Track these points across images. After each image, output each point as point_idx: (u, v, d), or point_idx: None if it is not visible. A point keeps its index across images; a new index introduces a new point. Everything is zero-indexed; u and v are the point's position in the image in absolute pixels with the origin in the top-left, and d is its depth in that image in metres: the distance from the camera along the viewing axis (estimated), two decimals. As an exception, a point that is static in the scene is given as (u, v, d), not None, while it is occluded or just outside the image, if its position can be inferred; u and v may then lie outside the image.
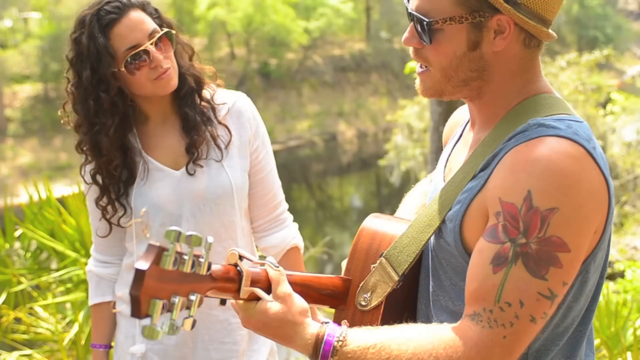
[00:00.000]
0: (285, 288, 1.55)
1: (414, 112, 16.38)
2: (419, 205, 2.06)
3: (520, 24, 1.52)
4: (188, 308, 1.39)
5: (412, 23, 1.60)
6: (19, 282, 4.51)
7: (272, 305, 1.53)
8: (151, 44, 2.25)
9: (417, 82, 1.67)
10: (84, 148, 2.37)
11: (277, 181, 2.58)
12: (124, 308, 2.54)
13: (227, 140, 2.42)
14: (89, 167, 2.41)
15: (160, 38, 2.28)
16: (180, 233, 1.34)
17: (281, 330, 1.53)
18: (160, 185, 2.39)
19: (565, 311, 1.55)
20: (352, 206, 27.32)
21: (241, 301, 1.54)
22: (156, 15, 2.33)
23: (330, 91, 34.24)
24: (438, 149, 6.17)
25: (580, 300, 1.56)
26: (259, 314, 1.53)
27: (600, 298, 4.31)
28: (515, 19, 1.51)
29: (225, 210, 2.42)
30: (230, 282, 1.49)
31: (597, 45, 25.07)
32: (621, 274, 7.40)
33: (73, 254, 4.30)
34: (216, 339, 2.48)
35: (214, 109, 2.42)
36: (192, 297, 1.39)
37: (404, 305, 1.76)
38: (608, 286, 6.04)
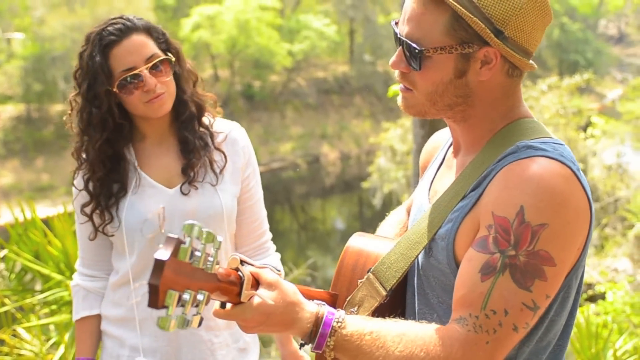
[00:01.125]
0: (270, 275, 1.57)
1: (397, 134, 16.49)
2: (394, 234, 2.12)
3: (507, 57, 1.59)
4: (196, 305, 1.41)
5: (400, 48, 1.65)
6: (3, 304, 4.49)
7: (268, 294, 1.54)
8: (147, 68, 2.32)
9: (400, 99, 1.73)
10: (79, 154, 2.45)
11: (263, 211, 2.65)
12: (109, 328, 2.55)
13: (222, 165, 2.48)
14: (82, 173, 2.47)
15: (160, 62, 2.35)
16: (197, 227, 1.37)
17: (285, 315, 1.55)
18: (153, 201, 2.43)
19: (548, 325, 1.61)
20: (335, 228, 27.30)
21: (237, 306, 1.54)
22: (162, 40, 2.41)
23: (314, 113, 34.30)
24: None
25: (562, 315, 1.63)
26: (261, 308, 1.53)
27: (582, 320, 4.37)
28: (503, 52, 1.58)
29: (214, 231, 2.44)
30: (232, 284, 1.50)
31: (578, 70, 25.32)
32: (602, 296, 7.46)
33: (58, 276, 4.29)
34: (199, 359, 2.49)
35: (212, 135, 2.49)
36: (200, 296, 1.41)
37: None
38: (589, 308, 6.09)
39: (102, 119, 2.36)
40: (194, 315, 1.42)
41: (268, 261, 2.62)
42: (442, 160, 1.89)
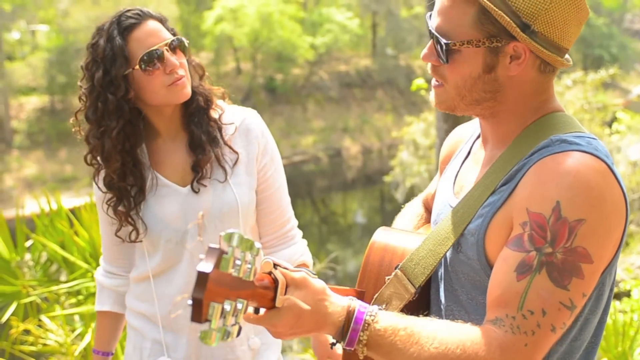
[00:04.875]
0: (297, 274, 1.54)
1: (420, 128, 16.42)
2: (412, 227, 2.09)
3: (536, 52, 1.56)
4: (235, 315, 1.38)
5: (431, 40, 1.64)
6: (29, 294, 4.52)
7: (298, 294, 1.51)
8: (167, 48, 2.30)
9: (432, 94, 1.71)
10: (95, 155, 2.38)
11: (285, 198, 2.58)
12: (132, 320, 2.55)
13: (233, 160, 2.43)
14: (102, 175, 2.41)
15: (175, 49, 2.33)
16: (237, 235, 1.34)
17: (316, 313, 1.51)
18: (167, 201, 2.40)
19: (582, 324, 1.58)
20: (356, 222, 27.27)
21: (270, 311, 1.51)
22: (173, 32, 2.38)
23: (336, 107, 34.30)
24: (445, 166, 6.20)
25: (596, 313, 1.60)
26: (291, 309, 1.50)
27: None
28: (532, 48, 1.55)
29: (229, 228, 2.40)
30: (266, 289, 1.48)
31: (603, 64, 25.06)
32: (627, 294, 7.38)
33: (84, 265, 4.31)
34: (219, 355, 2.47)
35: (220, 129, 2.43)
36: (239, 305, 1.38)
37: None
38: (615, 305, 6.03)
39: (118, 105, 2.29)
40: (233, 325, 1.39)
41: (292, 251, 2.57)
42: (467, 154, 1.86)
